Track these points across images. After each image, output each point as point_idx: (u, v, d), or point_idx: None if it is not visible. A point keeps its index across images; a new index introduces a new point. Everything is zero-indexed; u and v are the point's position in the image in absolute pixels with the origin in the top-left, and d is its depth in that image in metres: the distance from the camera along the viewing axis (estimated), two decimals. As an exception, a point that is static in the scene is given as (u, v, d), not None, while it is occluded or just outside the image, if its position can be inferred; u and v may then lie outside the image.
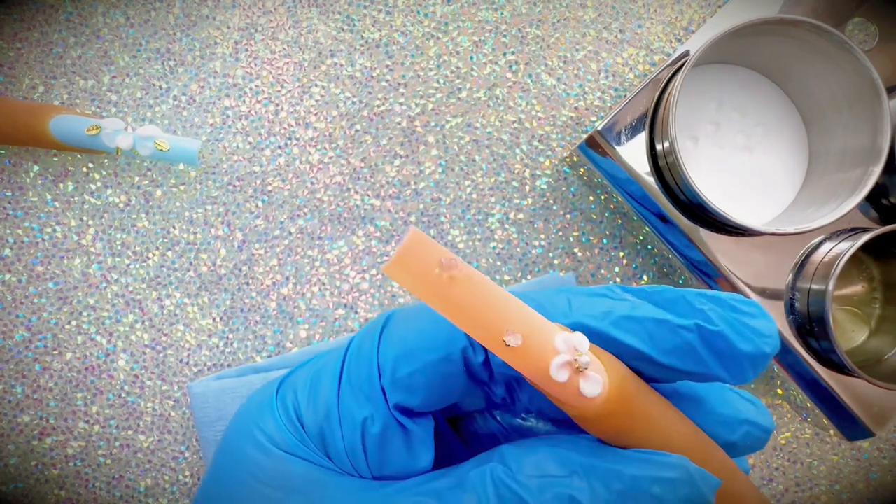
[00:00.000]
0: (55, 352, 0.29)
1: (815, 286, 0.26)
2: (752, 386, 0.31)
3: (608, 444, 0.18)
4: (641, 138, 0.27)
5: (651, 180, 0.27)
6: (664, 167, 0.27)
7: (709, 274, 0.27)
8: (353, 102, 0.30)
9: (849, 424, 0.27)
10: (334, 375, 0.20)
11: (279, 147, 0.30)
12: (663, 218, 0.27)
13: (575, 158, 0.29)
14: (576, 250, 0.31)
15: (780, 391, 0.30)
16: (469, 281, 0.15)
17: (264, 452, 0.20)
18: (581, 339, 0.16)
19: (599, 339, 0.17)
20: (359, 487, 0.19)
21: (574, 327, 0.17)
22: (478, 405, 0.21)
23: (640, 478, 0.16)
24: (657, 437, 0.17)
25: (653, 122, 0.27)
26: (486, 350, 0.18)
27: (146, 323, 0.29)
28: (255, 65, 0.30)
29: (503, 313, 0.15)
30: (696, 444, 0.17)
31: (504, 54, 0.31)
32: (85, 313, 0.29)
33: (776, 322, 0.27)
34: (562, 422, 0.21)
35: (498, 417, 0.22)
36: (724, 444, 0.19)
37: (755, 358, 0.16)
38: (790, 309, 0.27)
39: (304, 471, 0.19)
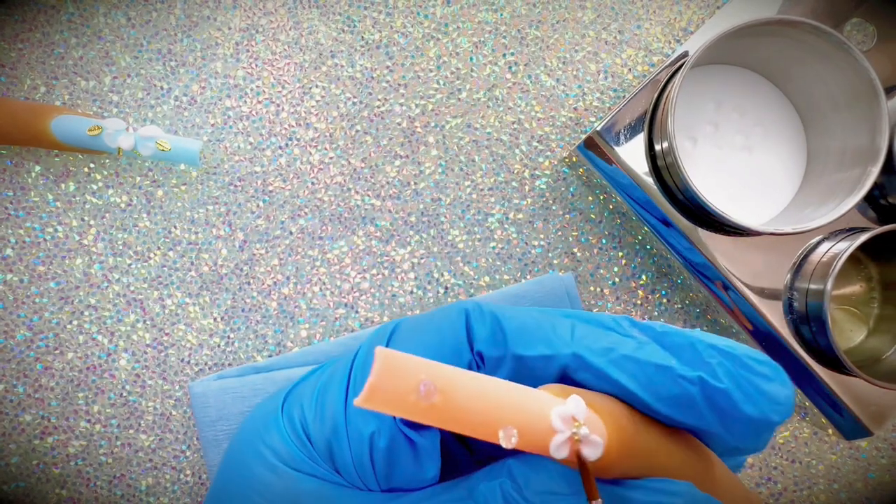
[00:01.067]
0: (57, 351, 0.29)
1: (813, 286, 0.26)
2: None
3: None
4: (640, 139, 0.27)
5: (650, 181, 0.27)
6: (663, 167, 0.27)
7: (707, 275, 0.28)
8: (354, 103, 0.31)
9: (847, 423, 0.27)
10: (341, 388, 0.20)
11: (280, 147, 0.30)
12: (662, 218, 0.28)
13: (574, 159, 0.29)
14: (575, 250, 0.31)
15: (778, 390, 0.30)
16: (451, 402, 0.14)
17: (273, 471, 0.20)
18: (577, 406, 0.15)
19: (596, 375, 0.17)
20: (369, 501, 0.19)
21: (572, 359, 0.17)
22: None
23: (647, 503, 0.16)
24: (659, 466, 0.17)
25: (651, 122, 0.27)
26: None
27: (147, 322, 0.29)
28: (256, 65, 0.30)
29: (496, 417, 0.15)
30: (696, 467, 0.17)
31: (503, 55, 0.31)
32: (86, 313, 0.29)
33: (766, 320, 0.27)
34: None
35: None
36: (729, 448, 0.18)
37: (759, 424, 0.15)
38: (788, 308, 0.27)
39: (313, 488, 0.19)
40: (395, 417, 0.19)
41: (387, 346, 0.19)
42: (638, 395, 0.16)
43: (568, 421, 0.15)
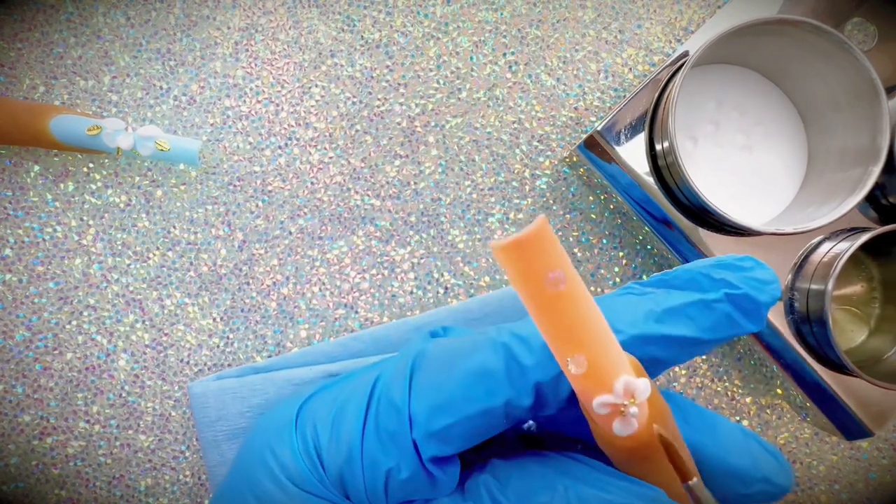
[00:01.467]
0: (56, 351, 0.29)
1: (814, 286, 0.26)
2: (752, 386, 0.31)
3: (610, 462, 0.18)
4: (641, 138, 0.27)
5: (650, 180, 0.27)
6: (664, 167, 0.27)
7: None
8: (354, 103, 0.30)
9: (848, 424, 0.27)
10: (358, 416, 0.19)
11: (279, 147, 0.30)
12: (663, 218, 0.27)
13: (574, 158, 0.29)
14: (575, 250, 0.31)
15: (779, 391, 0.30)
16: (569, 299, 0.15)
17: (280, 487, 0.19)
18: (645, 387, 0.16)
19: (654, 342, 0.17)
20: None
21: (632, 341, 0.17)
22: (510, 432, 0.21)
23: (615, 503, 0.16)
24: (660, 480, 0.17)
25: (652, 122, 0.27)
26: (535, 394, 0.18)
27: (147, 323, 0.29)
28: (256, 65, 0.30)
29: (584, 338, 0.15)
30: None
31: (504, 55, 0.31)
32: (85, 313, 0.29)
33: (767, 320, 0.27)
34: (568, 440, 0.21)
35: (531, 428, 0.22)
36: (736, 496, 0.19)
37: (770, 305, 0.18)
38: (789, 309, 0.27)
39: None
40: (419, 456, 0.19)
41: (410, 384, 0.19)
42: (690, 336, 0.17)
43: (627, 393, 0.16)
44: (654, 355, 0.18)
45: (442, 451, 0.18)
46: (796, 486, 0.30)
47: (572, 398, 0.18)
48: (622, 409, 0.16)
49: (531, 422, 0.22)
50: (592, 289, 0.31)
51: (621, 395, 0.15)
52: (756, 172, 0.28)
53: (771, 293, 0.18)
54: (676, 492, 0.17)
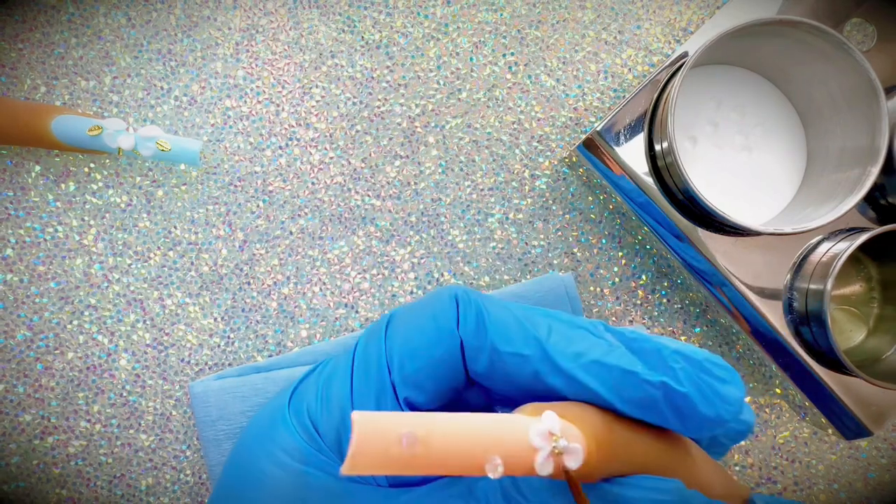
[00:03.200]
0: (57, 351, 0.29)
1: (813, 286, 0.26)
2: (751, 386, 0.31)
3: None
4: (640, 139, 0.27)
5: (650, 181, 0.27)
6: (663, 167, 0.27)
7: (707, 276, 0.28)
8: (354, 103, 0.31)
9: (847, 423, 0.27)
10: (345, 378, 0.20)
11: (280, 147, 0.30)
12: (662, 219, 0.28)
13: (574, 159, 0.29)
14: (575, 250, 0.31)
15: (778, 390, 0.30)
16: (433, 447, 0.14)
17: (281, 467, 0.20)
18: (552, 420, 0.16)
19: (566, 379, 0.18)
20: (377, 497, 0.19)
21: (544, 363, 0.18)
22: (481, 401, 0.21)
23: (640, 500, 0.16)
24: (639, 462, 0.17)
25: (651, 122, 0.27)
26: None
27: (147, 322, 0.29)
28: (256, 65, 0.30)
29: (477, 450, 0.15)
30: (674, 457, 0.18)
31: (503, 55, 0.31)
32: (86, 313, 0.29)
33: (766, 319, 0.27)
34: None
35: (499, 411, 0.22)
36: (706, 439, 0.19)
37: (714, 423, 0.17)
38: (788, 308, 0.27)
39: (322, 483, 0.19)
40: (398, 401, 0.19)
41: (385, 335, 0.20)
42: (604, 397, 0.17)
43: (545, 437, 0.15)
44: (559, 387, 0.18)
45: (416, 395, 0.19)
46: (795, 486, 0.30)
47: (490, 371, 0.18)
48: (556, 450, 0.15)
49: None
50: (592, 288, 0.31)
51: (543, 443, 0.15)
52: (755, 173, 0.28)
53: (719, 411, 0.17)
54: (679, 467, 0.17)
